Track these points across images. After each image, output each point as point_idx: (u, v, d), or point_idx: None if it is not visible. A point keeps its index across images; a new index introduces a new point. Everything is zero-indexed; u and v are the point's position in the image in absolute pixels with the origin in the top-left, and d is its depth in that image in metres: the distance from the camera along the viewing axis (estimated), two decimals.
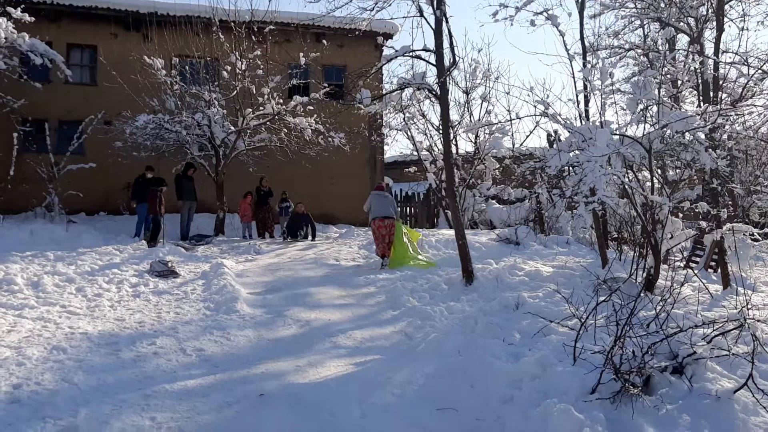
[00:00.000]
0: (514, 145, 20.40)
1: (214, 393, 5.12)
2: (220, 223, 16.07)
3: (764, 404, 4.48)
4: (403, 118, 18.05)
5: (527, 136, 61.46)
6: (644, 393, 4.73)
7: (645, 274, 7.88)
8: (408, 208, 20.76)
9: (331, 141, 16.20)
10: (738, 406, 4.55)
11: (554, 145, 9.93)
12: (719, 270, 9.86)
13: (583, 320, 5.65)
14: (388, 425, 4.69)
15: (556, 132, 12.04)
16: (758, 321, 5.42)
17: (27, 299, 7.81)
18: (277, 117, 15.76)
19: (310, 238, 15.14)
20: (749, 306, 5.75)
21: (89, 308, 7.73)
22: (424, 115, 18.41)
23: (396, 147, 47.36)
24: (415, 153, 18.63)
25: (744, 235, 8.37)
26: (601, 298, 5.82)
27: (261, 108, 15.71)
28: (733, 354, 5.12)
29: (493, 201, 18.45)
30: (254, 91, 15.56)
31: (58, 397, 4.86)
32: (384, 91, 11.96)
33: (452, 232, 10.72)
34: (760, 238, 10.15)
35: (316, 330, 7.28)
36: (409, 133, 18.49)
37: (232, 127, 15.74)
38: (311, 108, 15.92)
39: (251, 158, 16.81)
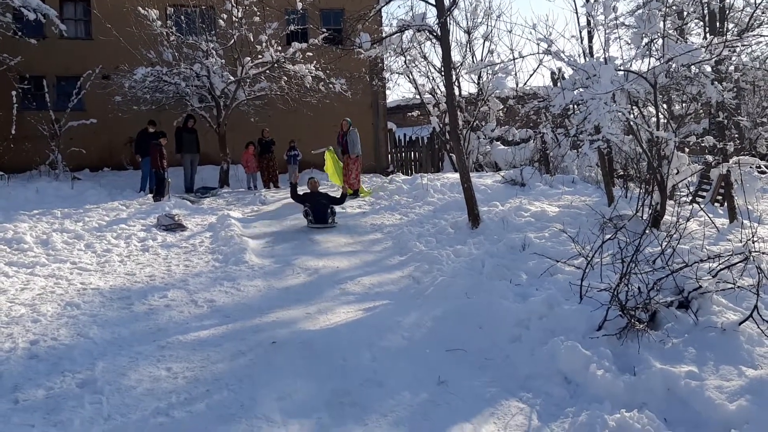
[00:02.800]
0: (517, 85, 20.14)
1: (227, 342, 5.22)
2: (224, 175, 16.05)
3: None
4: (404, 62, 17.74)
5: (531, 76, 60.70)
6: (650, 328, 4.80)
7: (651, 211, 7.87)
8: (412, 153, 20.67)
9: (332, 87, 16.00)
10: (743, 337, 4.61)
11: (558, 84, 9.79)
12: (726, 204, 9.85)
13: (589, 259, 5.68)
14: (398, 367, 4.78)
15: (560, 70, 11.84)
16: (764, 253, 5.44)
17: (38, 257, 7.90)
18: (276, 65, 15.53)
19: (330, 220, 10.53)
20: (755, 239, 5.76)
21: (99, 264, 7.82)
22: (425, 58, 18.10)
23: (398, 91, 47.02)
24: (418, 97, 18.40)
25: (750, 167, 8.31)
26: (607, 237, 5.84)
27: (260, 56, 15.48)
28: (739, 287, 5.16)
29: (498, 142, 18.31)
30: (252, 39, 15.30)
31: (75, 352, 4.97)
32: (384, 34, 11.76)
33: (457, 175, 10.67)
34: (767, 170, 10.07)
35: (325, 278, 7.36)
36: (410, 77, 18.21)
37: (232, 77, 15.55)
38: (310, 54, 15.66)
39: (252, 108, 16.66)
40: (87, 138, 16.18)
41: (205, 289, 6.79)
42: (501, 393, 4.34)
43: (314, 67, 15.66)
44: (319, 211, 10.37)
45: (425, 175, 14.60)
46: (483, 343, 5.14)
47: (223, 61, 15.40)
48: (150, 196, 12.95)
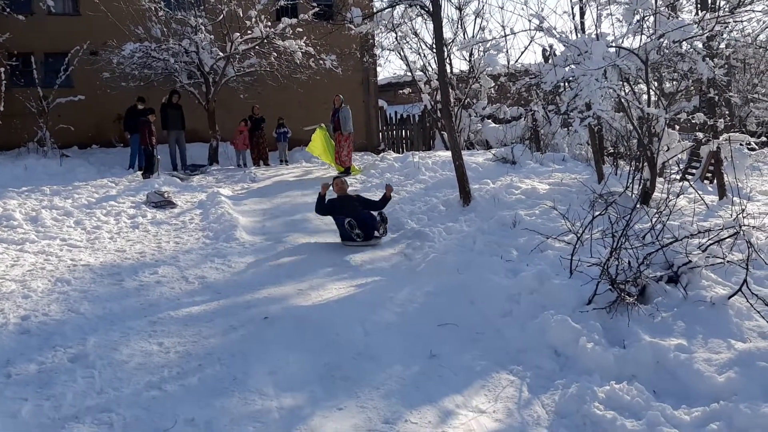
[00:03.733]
0: (509, 62, 20.04)
1: (218, 318, 5.23)
2: (213, 152, 15.96)
3: (758, 309, 4.58)
4: (396, 38, 17.60)
5: (522, 53, 60.69)
6: (640, 302, 4.85)
7: (641, 188, 7.90)
8: (403, 131, 20.60)
9: (322, 64, 15.88)
10: (732, 311, 4.67)
11: (549, 60, 9.75)
12: (715, 181, 9.89)
13: (579, 234, 5.70)
14: (391, 341, 4.81)
15: (551, 47, 11.79)
16: (753, 228, 5.48)
17: (27, 234, 7.85)
18: (266, 40, 15.39)
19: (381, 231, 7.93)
20: (745, 214, 5.80)
21: (89, 240, 7.78)
22: (416, 34, 17.93)
23: (389, 68, 46.58)
24: (409, 74, 18.28)
25: (740, 144, 8.35)
26: (597, 212, 5.86)
27: (249, 32, 15.32)
28: (728, 261, 5.21)
29: (489, 120, 18.28)
30: (241, 15, 15.13)
31: (66, 327, 4.96)
32: (375, 10, 11.65)
33: (449, 153, 10.66)
34: (757, 148, 10.12)
35: (316, 254, 7.35)
36: (402, 53, 18.07)
37: (221, 53, 15.40)
38: (300, 30, 15.51)
39: (242, 85, 16.52)
40: (75, 115, 16.00)
41: (195, 265, 6.78)
42: (492, 366, 4.37)
43: (304, 43, 15.52)
44: (363, 222, 7.66)
45: (416, 153, 14.57)
46: (474, 317, 5.18)
47: (212, 36, 15.24)
48: (139, 173, 12.88)
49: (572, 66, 7.66)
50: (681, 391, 3.96)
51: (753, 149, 9.27)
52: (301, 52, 15.46)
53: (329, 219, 8.18)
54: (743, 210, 5.58)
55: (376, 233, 7.76)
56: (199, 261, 6.94)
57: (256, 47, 15.61)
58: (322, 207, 8.15)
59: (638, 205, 6.60)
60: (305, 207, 9.92)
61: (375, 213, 7.95)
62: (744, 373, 3.91)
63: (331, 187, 8.34)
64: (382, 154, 15.81)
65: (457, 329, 5.01)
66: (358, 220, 7.64)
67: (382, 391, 4.02)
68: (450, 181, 10.06)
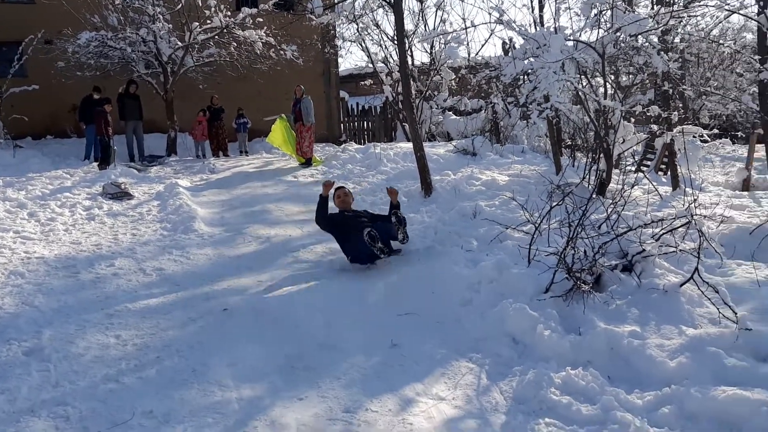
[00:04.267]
0: (469, 54, 20.18)
1: (176, 310, 5.17)
2: (171, 143, 15.72)
3: (709, 296, 4.72)
4: (357, 29, 17.55)
5: (483, 45, 60.96)
6: (595, 290, 4.95)
7: (597, 179, 8.05)
8: (365, 122, 20.58)
9: (283, 54, 15.75)
10: (684, 298, 4.80)
11: (509, 53, 9.85)
12: (669, 172, 10.14)
13: (537, 224, 5.80)
14: (352, 331, 4.83)
15: (511, 39, 11.93)
16: (705, 217, 5.64)
17: None
18: (225, 30, 15.19)
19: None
20: (697, 204, 5.97)
21: (43, 233, 7.60)
22: (378, 26, 17.91)
23: (351, 59, 46.38)
24: (371, 65, 18.26)
25: (693, 136, 8.57)
26: (555, 203, 5.96)
27: (208, 21, 15.11)
28: (681, 250, 5.35)
29: (450, 112, 18.38)
30: (200, 4, 14.91)
31: (20, 320, 4.86)
32: (336, 0, 11.59)
33: (410, 145, 10.71)
34: (709, 140, 10.39)
35: (277, 246, 7.32)
36: (363, 45, 18.02)
37: (179, 43, 15.15)
38: (261, 20, 15.36)
39: (201, 75, 16.30)
40: (29, 105, 15.56)
41: (153, 257, 6.68)
42: (452, 354, 4.42)
43: (265, 33, 15.37)
44: (382, 233, 6.19)
45: (378, 144, 14.58)
46: (435, 307, 5.22)
47: (170, 26, 14.97)
48: (95, 164, 12.60)
49: (531, 59, 7.75)
50: (634, 376, 4.07)
51: (705, 141, 9.52)
52: (262, 43, 15.31)
53: (291, 210, 8.11)
54: (695, 200, 5.72)
55: (397, 241, 6.35)
56: (156, 253, 6.84)
57: (216, 37, 15.41)
58: (325, 217, 6.53)
59: (594, 196, 6.74)
60: (265, 198, 9.87)
61: (389, 223, 6.37)
62: (695, 358, 4.03)
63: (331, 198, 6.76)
64: (343, 145, 15.78)
65: (418, 318, 5.05)
66: (379, 231, 6.11)
67: (343, 381, 4.03)
68: (411, 172, 10.11)
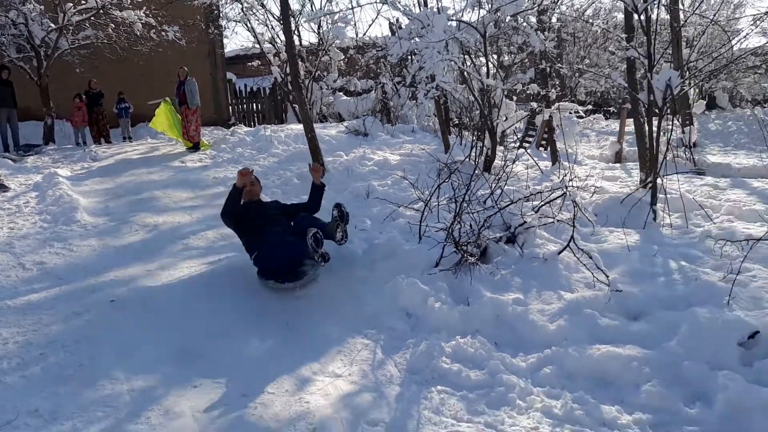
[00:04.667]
0: (357, 34, 20.20)
1: (60, 304, 4.94)
2: (48, 131, 14.82)
3: (584, 262, 5.05)
4: (242, 9, 17.10)
5: (370, 26, 61.21)
6: (481, 262, 5.18)
7: (483, 156, 8.36)
8: (254, 104, 20.22)
9: (164, 35, 15.16)
10: (562, 265, 5.11)
11: (395, 34, 9.97)
12: (549, 147, 10.66)
13: (426, 201, 5.97)
14: (246, 316, 4.80)
15: (397, 20, 12.07)
16: (577, 188, 6.01)
17: None
18: (102, 11, 14.43)
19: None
20: (572, 177, 6.34)
21: None
22: (263, 5, 17.49)
23: (236, 40, 45.07)
24: (257, 46, 17.89)
25: (570, 113, 9.04)
26: (441, 180, 6.15)
27: (83, 2, 14.29)
28: (558, 220, 5.68)
29: (341, 93, 18.38)
30: None
31: None
32: None
33: (301, 126, 10.65)
34: (585, 116, 11.00)
35: (166, 234, 7.11)
36: (248, 25, 17.61)
37: (52, 25, 14.25)
38: (140, 0, 14.71)
39: (77, 58, 15.42)
40: None
41: (33, 251, 6.32)
42: (347, 332, 4.50)
43: (144, 13, 14.73)
44: (283, 245, 5.04)
45: (268, 126, 14.40)
46: (330, 286, 5.27)
47: (42, 7, 14.04)
48: None
49: (416, 39, 7.90)
50: (519, 340, 4.31)
51: (581, 117, 10.06)
52: (141, 23, 14.67)
53: (180, 196, 7.82)
54: (570, 173, 6.07)
55: (316, 258, 4.99)
56: (36, 246, 6.48)
57: (92, 18, 14.61)
58: (236, 211, 5.43)
59: (480, 172, 7.01)
60: (152, 185, 9.53)
61: (312, 229, 5.01)
62: (572, 320, 4.32)
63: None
64: (232, 128, 15.43)
65: (313, 298, 5.08)
66: (272, 240, 5.03)
67: (237, 366, 4.02)
68: (303, 154, 10.07)
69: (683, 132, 10.70)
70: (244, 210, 5.47)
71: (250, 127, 16.98)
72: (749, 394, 3.33)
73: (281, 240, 5.06)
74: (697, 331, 3.85)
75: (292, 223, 5.43)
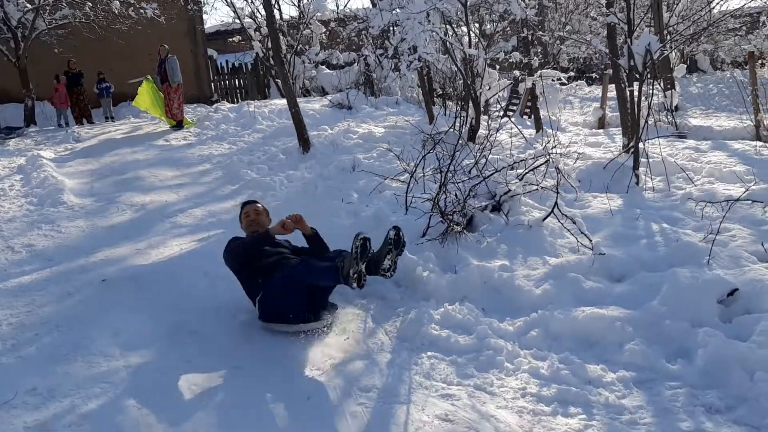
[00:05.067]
0: (338, 6, 20.04)
1: (51, 285, 4.98)
2: (29, 113, 14.69)
3: (568, 227, 5.14)
4: None
5: None
6: (468, 230, 5.26)
7: (467, 126, 8.40)
8: (236, 80, 20.07)
9: (143, 13, 14.98)
10: (546, 231, 5.21)
11: (376, 5, 9.93)
12: (533, 116, 10.71)
13: (412, 173, 6.02)
14: (237, 291, 4.84)
15: None
16: (560, 155, 6.08)
17: None
18: None
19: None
20: (555, 144, 6.40)
21: None
22: None
23: (216, 16, 44.62)
24: (237, 21, 17.71)
25: (552, 80, 9.07)
26: (427, 151, 6.20)
27: None
28: (542, 187, 5.76)
29: (323, 66, 18.28)
30: None
31: None
32: None
33: (284, 101, 10.63)
34: (567, 83, 11.02)
35: (153, 212, 7.14)
36: (228, 0, 17.44)
37: (29, 5, 14.04)
38: None
39: (55, 38, 15.23)
40: None
41: (21, 234, 6.34)
42: (340, 303, 4.54)
43: None
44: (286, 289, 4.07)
45: (252, 102, 14.32)
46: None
47: None
48: None
49: (397, 10, 7.87)
50: (506, 305, 4.40)
51: (564, 84, 10.09)
52: (119, 1, 14.47)
53: (166, 175, 7.80)
54: (552, 140, 6.13)
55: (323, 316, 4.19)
56: (24, 229, 6.49)
57: None
58: (241, 252, 4.31)
59: (464, 142, 7.05)
60: (137, 164, 9.52)
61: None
62: (557, 284, 4.42)
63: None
64: (215, 104, 15.35)
65: None
66: (272, 283, 4.12)
67: (230, 340, 4.09)
68: (288, 129, 10.06)
69: (665, 96, 10.74)
70: (256, 246, 4.32)
71: (233, 103, 16.87)
72: (728, 349, 3.43)
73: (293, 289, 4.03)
74: (678, 291, 3.95)
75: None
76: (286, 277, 4.05)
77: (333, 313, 4.26)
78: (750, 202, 5.16)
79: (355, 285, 3.77)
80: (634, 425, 3.05)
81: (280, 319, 4.08)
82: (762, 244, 4.61)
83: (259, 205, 4.86)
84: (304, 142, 9.22)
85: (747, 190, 5.26)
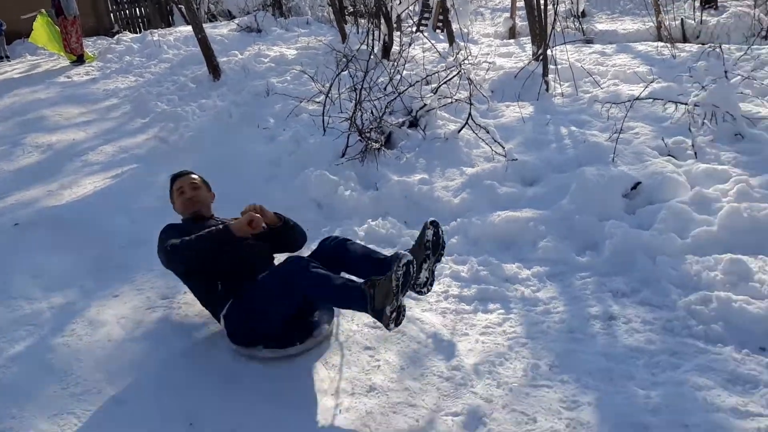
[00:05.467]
0: None
1: None
2: None
3: (482, 137, 5.28)
4: None
5: None
6: (386, 147, 5.33)
7: (380, 43, 8.33)
8: (137, 9, 19.03)
9: None
10: (462, 142, 5.34)
11: None
12: (445, 29, 10.70)
13: (327, 93, 5.98)
14: (159, 225, 4.78)
15: None
16: (471, 66, 6.16)
17: None
18: None
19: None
20: (467, 56, 6.47)
21: None
22: None
23: None
24: None
25: None
26: (340, 70, 6.15)
27: None
28: (456, 100, 5.85)
29: None
30: None
31: None
32: None
33: (190, 28, 10.20)
34: None
35: (62, 152, 6.85)
36: None
37: None
38: None
39: None
40: None
41: None
42: None
43: None
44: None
45: (155, 31, 13.65)
46: (241, 187, 5.26)
47: None
48: None
49: None
50: (427, 217, 4.42)
51: None
52: None
53: (71, 113, 7.46)
54: (465, 52, 6.20)
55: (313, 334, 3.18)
56: None
57: None
58: (192, 256, 3.13)
59: (378, 60, 7.02)
60: (39, 104, 9.02)
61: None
62: (473, 192, 4.58)
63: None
64: (117, 36, 14.53)
65: (226, 199, 5.10)
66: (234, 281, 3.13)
67: (156, 272, 4.06)
68: (196, 56, 9.72)
69: (572, 2, 10.94)
70: (206, 240, 3.06)
71: (136, 33, 16.03)
72: (632, 239, 3.69)
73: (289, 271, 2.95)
74: (585, 189, 4.18)
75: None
76: (270, 284, 2.97)
77: (331, 322, 3.21)
78: (651, 100, 5.42)
79: (392, 326, 2.73)
80: (548, 314, 3.27)
81: (260, 341, 3.03)
82: (662, 139, 4.89)
83: (195, 176, 3.72)
84: (214, 70, 8.94)
85: (646, 86, 5.51)
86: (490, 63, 6.91)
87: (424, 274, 2.96)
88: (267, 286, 2.99)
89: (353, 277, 3.05)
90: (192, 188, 3.62)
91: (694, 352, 2.84)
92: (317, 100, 6.46)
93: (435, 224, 3.01)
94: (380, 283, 2.68)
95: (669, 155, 4.68)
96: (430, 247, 2.96)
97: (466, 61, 5.95)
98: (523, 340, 3.08)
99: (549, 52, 6.57)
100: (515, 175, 4.75)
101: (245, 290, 3.05)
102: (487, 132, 5.23)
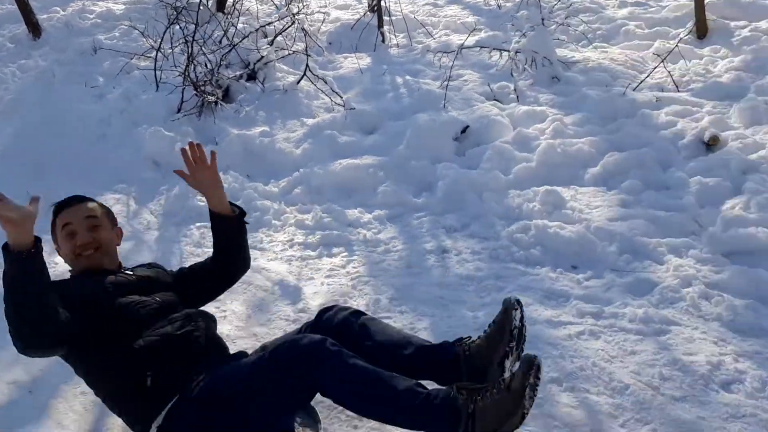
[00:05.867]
0: None
1: None
2: None
3: (321, 88, 5.32)
4: None
5: None
6: (225, 101, 5.24)
7: None
8: None
9: None
10: (302, 94, 5.37)
11: None
12: None
13: (158, 47, 5.74)
14: None
15: None
16: (306, 16, 6.15)
17: None
18: None
19: None
20: (303, 7, 6.43)
21: None
22: None
23: None
24: None
25: None
26: (171, 23, 5.91)
27: None
28: (294, 51, 5.84)
29: None
30: None
31: None
32: None
33: None
34: None
35: None
36: None
37: None
38: None
39: None
40: None
41: None
42: (96, 190, 4.35)
43: None
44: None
45: None
46: (65, 149, 5.00)
47: None
48: None
49: None
50: (269, 169, 4.55)
51: None
52: None
53: None
54: (297, 2, 6.15)
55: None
56: None
57: None
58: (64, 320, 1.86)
59: (213, 13, 6.79)
60: None
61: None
62: (315, 142, 4.65)
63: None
64: None
65: (52, 162, 4.81)
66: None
67: None
68: (12, 14, 8.78)
69: None
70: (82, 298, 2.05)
71: None
72: (462, 178, 3.95)
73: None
74: (419, 134, 4.38)
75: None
76: (261, 372, 1.85)
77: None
78: (478, 48, 5.72)
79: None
80: (388, 253, 3.45)
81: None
82: (488, 85, 5.20)
83: (92, 204, 2.41)
84: (33, 27, 8.20)
85: (469, 34, 5.79)
86: (325, 14, 6.92)
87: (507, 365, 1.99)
88: (256, 374, 1.84)
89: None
90: (88, 227, 2.27)
91: (516, 274, 3.13)
92: (149, 55, 6.17)
93: (519, 304, 2.04)
94: (492, 393, 1.72)
95: (495, 99, 4.99)
96: (516, 336, 2.00)
97: (300, 13, 5.91)
98: (366, 278, 3.23)
99: (383, 3, 6.68)
100: (354, 125, 4.86)
101: (204, 376, 1.92)
102: (326, 83, 5.28)
